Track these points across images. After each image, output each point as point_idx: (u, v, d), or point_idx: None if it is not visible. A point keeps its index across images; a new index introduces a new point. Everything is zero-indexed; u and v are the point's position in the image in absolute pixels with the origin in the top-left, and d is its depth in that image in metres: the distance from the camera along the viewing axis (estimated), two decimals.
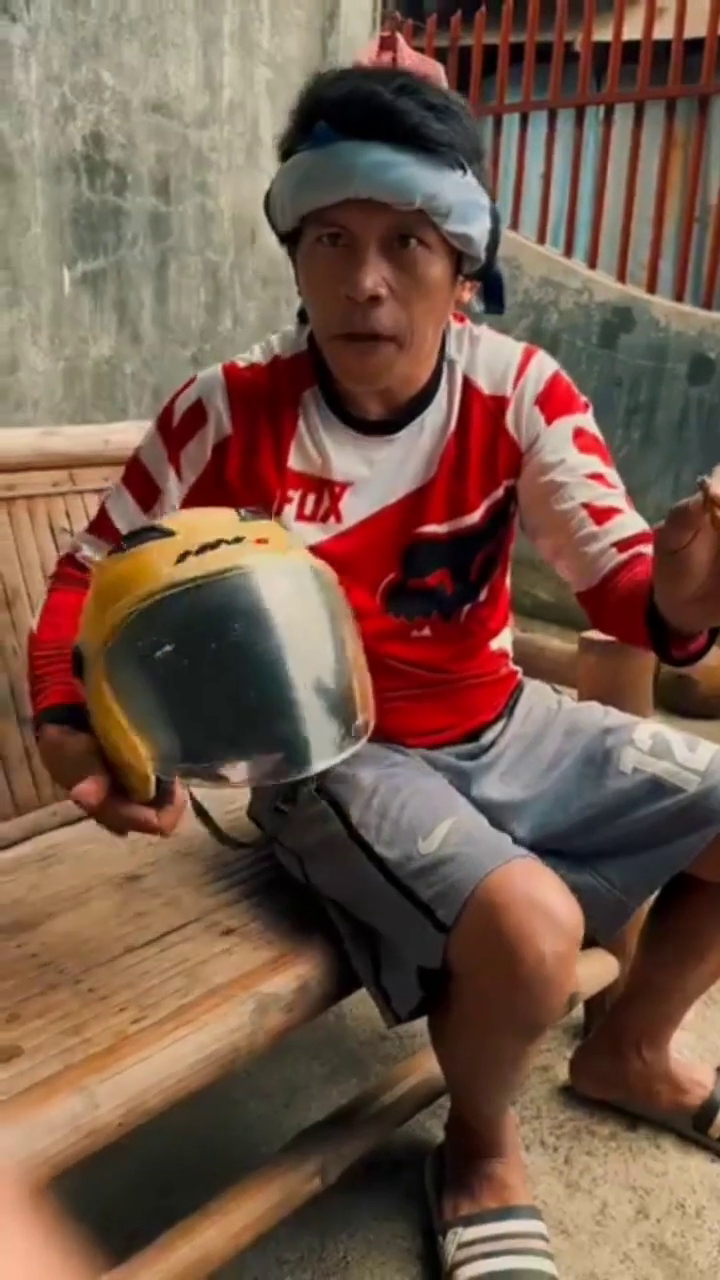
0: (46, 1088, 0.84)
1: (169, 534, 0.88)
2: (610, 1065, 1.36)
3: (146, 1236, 1.01)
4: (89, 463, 1.42)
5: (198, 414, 1.11)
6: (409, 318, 1.00)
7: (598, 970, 1.48)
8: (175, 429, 1.12)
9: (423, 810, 1.04)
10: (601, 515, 1.08)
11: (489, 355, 1.14)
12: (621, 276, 3.48)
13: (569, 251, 3.60)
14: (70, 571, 1.14)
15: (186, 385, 1.14)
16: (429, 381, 1.11)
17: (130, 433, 1.49)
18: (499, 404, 1.12)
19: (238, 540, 0.87)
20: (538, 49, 3.52)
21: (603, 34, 3.50)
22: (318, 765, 0.85)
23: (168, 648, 0.83)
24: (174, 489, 1.12)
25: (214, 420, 1.10)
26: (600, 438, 1.15)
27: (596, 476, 1.10)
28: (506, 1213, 1.14)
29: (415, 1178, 1.27)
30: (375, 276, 0.97)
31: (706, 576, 0.80)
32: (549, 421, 1.12)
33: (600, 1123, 1.39)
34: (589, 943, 1.51)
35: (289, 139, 1.01)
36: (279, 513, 1.10)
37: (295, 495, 1.11)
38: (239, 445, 1.10)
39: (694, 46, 3.26)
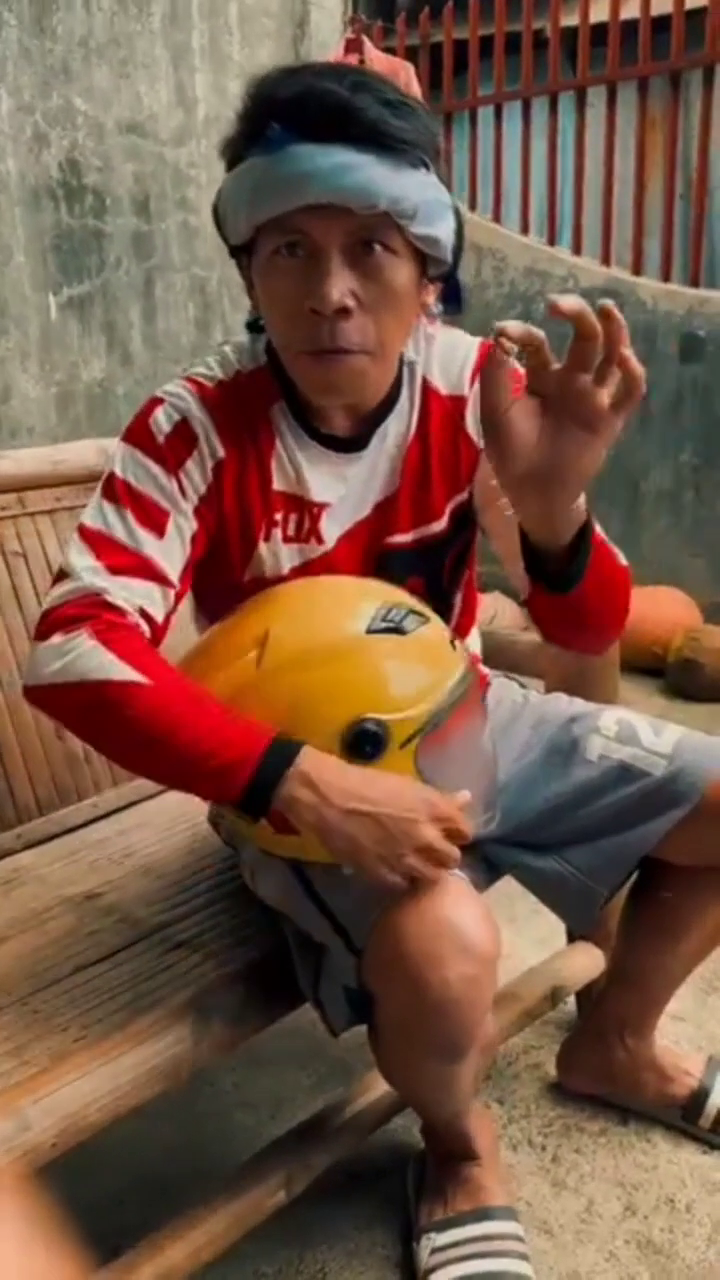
0: None
1: (427, 619, 0.99)
2: (595, 1056, 1.34)
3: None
4: (38, 485, 1.42)
5: (186, 434, 1.01)
6: (378, 329, 0.95)
7: (583, 964, 1.46)
8: (165, 449, 1.00)
9: None
10: None
11: (444, 353, 1.10)
12: (606, 260, 3.45)
13: (552, 239, 3.57)
14: (115, 618, 0.94)
15: (155, 404, 1.03)
16: (391, 387, 1.07)
17: (83, 452, 1.49)
18: (457, 404, 1.08)
19: None
20: (507, 39, 3.50)
21: (570, 19, 3.47)
22: None
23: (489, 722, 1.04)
24: (185, 506, 1.00)
25: (204, 441, 1.01)
26: None
27: None
28: (480, 1215, 1.12)
29: (398, 1184, 1.25)
30: (341, 287, 0.92)
31: (532, 450, 0.83)
32: None
33: (590, 1119, 1.37)
34: (574, 936, 1.51)
35: (237, 143, 0.95)
36: (268, 537, 1.06)
37: (279, 517, 1.06)
38: (232, 468, 1.03)
39: (662, 24, 3.22)
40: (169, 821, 1.38)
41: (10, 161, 3.08)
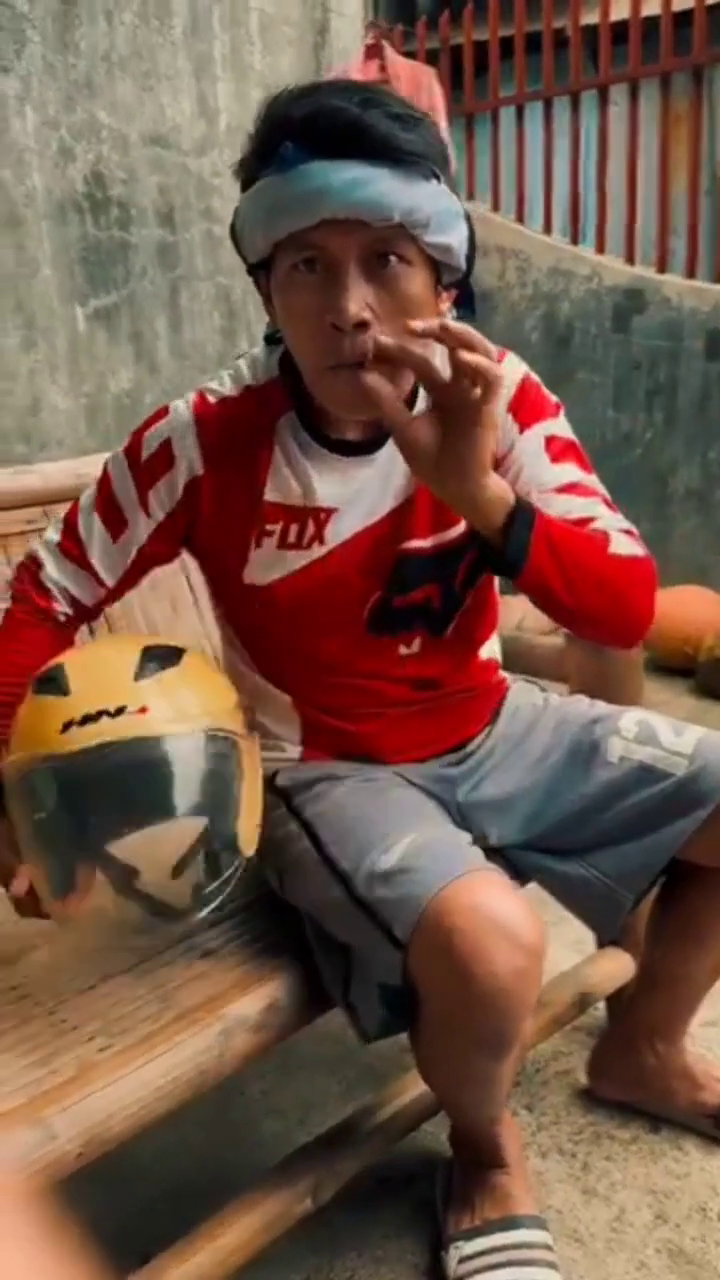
0: (2, 1121, 0.85)
1: (65, 693, 0.97)
2: (625, 1063, 1.34)
3: None
4: (63, 498, 1.44)
5: (165, 456, 1.09)
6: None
7: (612, 969, 1.46)
8: (144, 465, 1.10)
9: (386, 825, 1.02)
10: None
11: None
12: (631, 258, 3.43)
13: (576, 239, 3.56)
14: (35, 596, 1.15)
15: (157, 416, 1.11)
16: (409, 394, 1.06)
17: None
18: None
19: (120, 711, 0.95)
20: (528, 39, 3.49)
21: (591, 17, 3.45)
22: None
23: (42, 814, 0.97)
24: (142, 525, 1.11)
25: (183, 463, 1.08)
26: (574, 439, 1.13)
27: (570, 488, 1.08)
28: (508, 1223, 1.12)
29: (427, 1190, 1.25)
30: (359, 300, 0.93)
31: (437, 450, 0.93)
32: (521, 430, 1.10)
33: (621, 1126, 1.36)
34: (603, 941, 1.50)
35: (250, 164, 0.97)
36: (260, 544, 1.09)
37: (275, 528, 1.09)
38: (211, 484, 1.08)
39: (684, 19, 3.20)
40: None
41: (37, 176, 3.11)
